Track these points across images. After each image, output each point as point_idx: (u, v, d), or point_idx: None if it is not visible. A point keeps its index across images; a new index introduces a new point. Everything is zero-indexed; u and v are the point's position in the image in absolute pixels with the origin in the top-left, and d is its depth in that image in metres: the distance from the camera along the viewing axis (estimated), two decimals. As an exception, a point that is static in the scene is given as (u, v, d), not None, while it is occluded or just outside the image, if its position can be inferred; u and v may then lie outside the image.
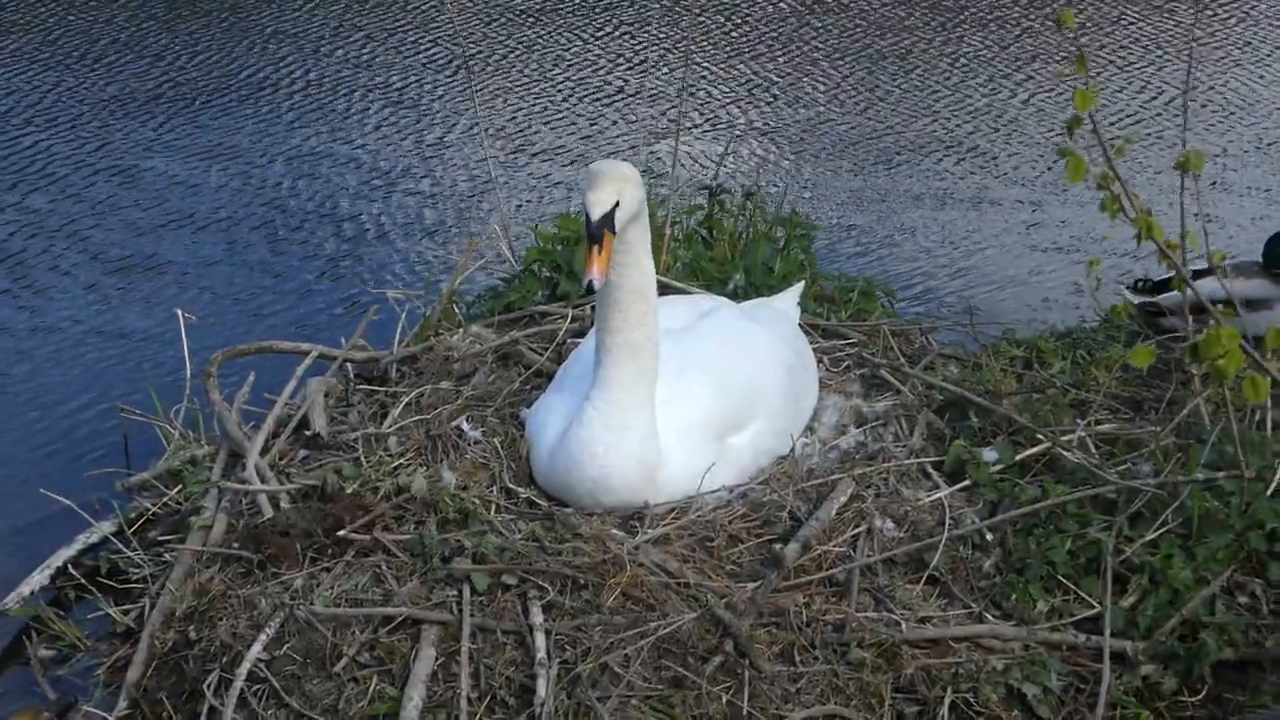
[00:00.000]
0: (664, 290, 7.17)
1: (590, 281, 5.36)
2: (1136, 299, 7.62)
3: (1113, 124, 10.70)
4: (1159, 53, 12.29)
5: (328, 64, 12.27)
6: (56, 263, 9.06)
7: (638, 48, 12.40)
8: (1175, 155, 5.78)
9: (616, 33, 12.82)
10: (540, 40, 12.68)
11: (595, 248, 5.39)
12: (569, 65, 12.12)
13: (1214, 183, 9.69)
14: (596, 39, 12.73)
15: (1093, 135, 5.41)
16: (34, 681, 5.76)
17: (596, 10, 13.41)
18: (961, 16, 13.09)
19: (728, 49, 12.44)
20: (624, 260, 5.64)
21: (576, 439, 5.73)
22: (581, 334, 6.71)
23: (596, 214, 5.38)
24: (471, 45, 12.50)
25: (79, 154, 10.60)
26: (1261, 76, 11.87)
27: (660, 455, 5.76)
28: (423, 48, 12.60)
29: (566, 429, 5.80)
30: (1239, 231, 9.06)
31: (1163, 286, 7.59)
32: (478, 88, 11.64)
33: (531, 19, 13.14)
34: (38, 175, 10.29)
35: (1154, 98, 11.50)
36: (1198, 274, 6.84)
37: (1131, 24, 12.90)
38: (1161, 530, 5.68)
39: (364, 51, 12.56)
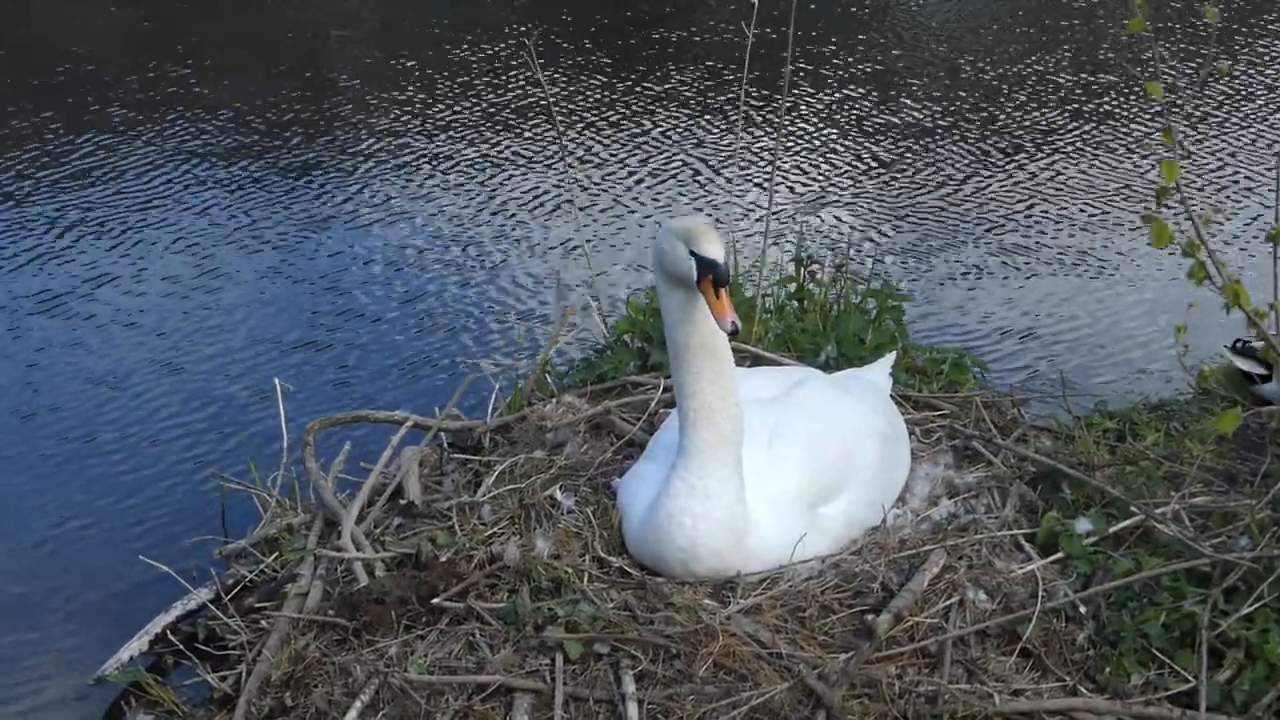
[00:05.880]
0: (755, 361, 7.24)
1: (733, 323, 5.41)
2: (1241, 362, 7.62)
3: (1207, 192, 10.67)
4: (1252, 126, 12.23)
5: (423, 142, 12.44)
6: (158, 329, 9.22)
7: (730, 125, 12.49)
8: (1269, 226, 5.79)
9: (708, 110, 12.92)
10: (632, 118, 12.79)
11: (726, 291, 5.45)
12: (660, 143, 12.21)
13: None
14: (687, 117, 12.83)
15: (1181, 205, 5.45)
16: (133, 746, 5.85)
17: (685, 89, 13.53)
18: (1047, 86, 13.11)
19: (816, 123, 12.52)
20: (696, 316, 5.68)
21: (664, 510, 5.75)
22: (673, 404, 6.77)
23: (726, 259, 5.49)
24: (564, 123, 12.63)
25: (176, 228, 10.77)
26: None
27: (748, 521, 5.77)
28: (517, 126, 12.74)
29: (655, 501, 5.83)
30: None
31: (1258, 356, 7.59)
32: (570, 163, 11.78)
33: (624, 98, 13.26)
34: (143, 247, 10.47)
35: (1248, 172, 11.43)
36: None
37: (1224, 95, 12.86)
38: (1258, 604, 5.63)
39: (459, 129, 12.72)
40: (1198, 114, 12.33)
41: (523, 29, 14.45)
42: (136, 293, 9.76)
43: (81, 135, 12.40)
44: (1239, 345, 7.73)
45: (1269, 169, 10.94)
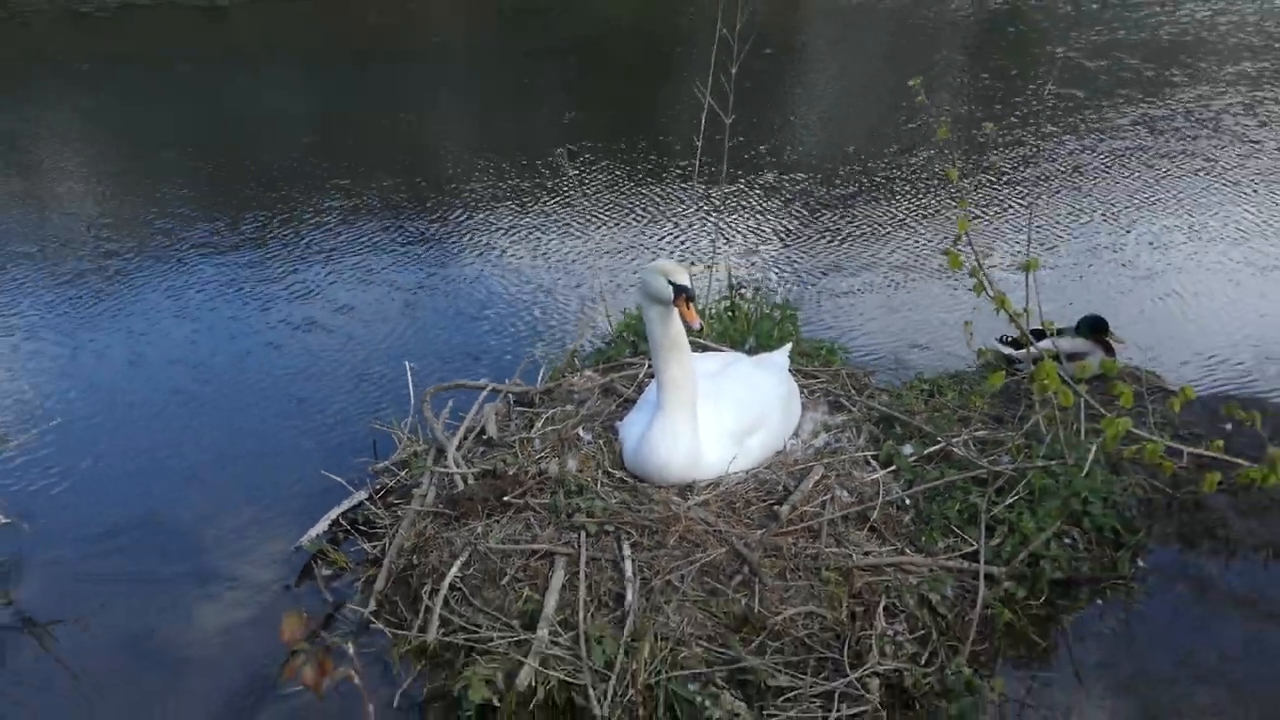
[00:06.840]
0: (704, 348, 7.29)
1: (700, 326, 5.53)
2: (1004, 349, 7.71)
3: (987, 236, 10.67)
4: (1018, 189, 12.22)
5: (496, 215, 12.36)
6: (350, 336, 9.18)
7: (685, 200, 12.47)
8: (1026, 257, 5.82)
9: (679, 192, 12.88)
10: (633, 197, 12.71)
11: (693, 304, 5.52)
12: (650, 214, 12.16)
13: (1047, 273, 9.60)
14: (671, 197, 12.80)
15: (969, 245, 5.51)
16: (319, 589, 5.96)
17: (666, 178, 13.47)
18: (907, 174, 13.08)
19: (747, 198, 12.50)
20: (667, 323, 5.74)
21: (648, 443, 5.85)
22: (653, 376, 6.82)
23: (691, 284, 5.55)
24: (588, 203, 12.59)
25: (368, 271, 10.68)
26: (1091, 202, 11.68)
27: (701, 452, 5.85)
28: (556, 204, 12.66)
29: (642, 436, 5.91)
30: (1063, 306, 8.94)
31: (1018, 343, 7.66)
32: (591, 217, 11.78)
33: (625, 186, 13.17)
34: (351, 283, 10.38)
35: (1010, 220, 11.40)
36: (1038, 333, 6.89)
37: (999, 176, 12.85)
38: (1015, 498, 5.75)
39: (521, 204, 12.66)
40: (980, 189, 12.31)
41: (566, 145, 14.34)
42: (346, 312, 9.64)
43: (306, 211, 12.16)
44: (1004, 339, 7.80)
45: (1024, 223, 10.95)
